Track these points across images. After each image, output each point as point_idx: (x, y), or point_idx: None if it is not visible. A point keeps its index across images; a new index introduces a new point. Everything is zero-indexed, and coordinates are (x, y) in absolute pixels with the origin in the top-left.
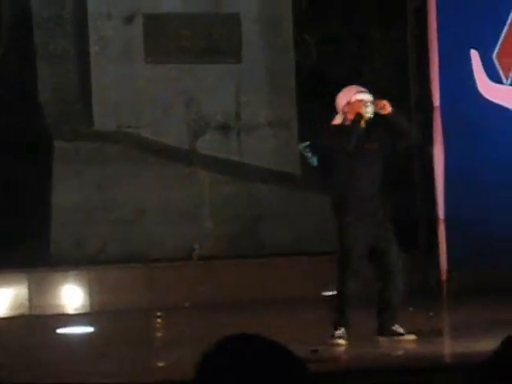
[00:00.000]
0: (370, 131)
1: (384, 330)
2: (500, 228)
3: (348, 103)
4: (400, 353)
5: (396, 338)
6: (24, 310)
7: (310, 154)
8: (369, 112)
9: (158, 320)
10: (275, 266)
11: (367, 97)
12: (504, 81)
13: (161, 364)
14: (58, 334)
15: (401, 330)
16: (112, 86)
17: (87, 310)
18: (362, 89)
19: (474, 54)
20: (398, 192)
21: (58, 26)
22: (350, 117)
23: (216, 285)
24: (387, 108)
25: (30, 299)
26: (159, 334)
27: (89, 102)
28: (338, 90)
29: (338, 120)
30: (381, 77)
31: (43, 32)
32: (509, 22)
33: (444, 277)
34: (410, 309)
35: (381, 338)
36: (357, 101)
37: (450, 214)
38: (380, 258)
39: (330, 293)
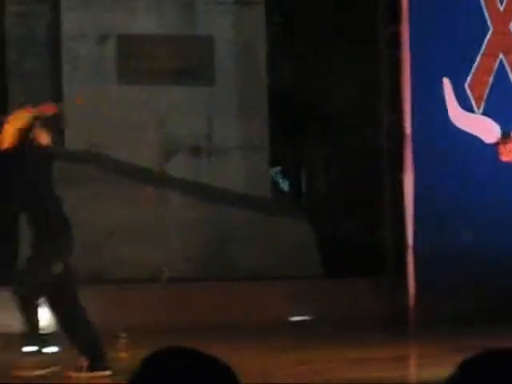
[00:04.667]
0: None
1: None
2: (469, 254)
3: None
4: None
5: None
6: None
7: (281, 179)
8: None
9: (120, 341)
10: (243, 290)
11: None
12: (476, 110)
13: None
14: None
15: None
16: (84, 106)
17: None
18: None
19: (446, 83)
20: (368, 218)
21: (31, 44)
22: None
23: (182, 307)
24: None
25: None
26: (119, 355)
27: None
28: (311, 115)
29: None
30: (353, 103)
31: (16, 50)
32: (481, 51)
33: (411, 303)
34: (378, 336)
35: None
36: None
37: (419, 241)
38: None
39: (297, 318)
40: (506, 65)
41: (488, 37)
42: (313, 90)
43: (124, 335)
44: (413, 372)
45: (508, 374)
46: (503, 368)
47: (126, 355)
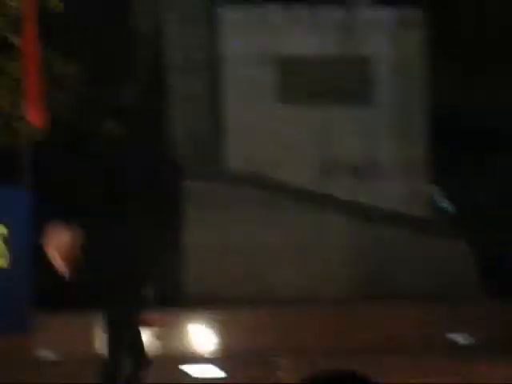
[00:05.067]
0: None
1: None
2: None
3: None
4: None
5: None
6: (153, 350)
7: (444, 200)
8: None
9: (278, 362)
10: (403, 311)
11: None
12: None
13: None
14: (186, 375)
15: None
16: (245, 128)
17: (218, 352)
18: None
19: None
20: None
21: (190, 67)
22: None
23: (343, 328)
24: None
25: (161, 338)
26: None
27: (221, 143)
28: (474, 134)
29: None
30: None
31: (177, 73)
32: None
33: None
34: None
35: None
36: None
37: None
38: None
39: (459, 340)
40: None
41: None
42: (476, 108)
43: (280, 357)
44: None
45: None
46: None
47: (283, 376)
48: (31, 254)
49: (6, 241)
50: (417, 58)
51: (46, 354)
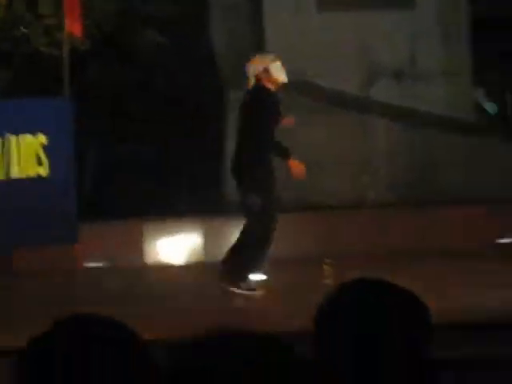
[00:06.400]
0: None
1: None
2: None
3: (265, 70)
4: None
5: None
6: (199, 258)
7: (485, 101)
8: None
9: (327, 268)
10: (449, 214)
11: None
12: None
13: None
14: None
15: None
16: (286, 35)
17: None
18: (276, 56)
19: None
20: None
21: None
22: (269, 84)
23: (386, 232)
24: None
25: (205, 247)
26: (325, 281)
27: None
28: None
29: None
30: None
31: None
32: None
33: None
34: None
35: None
36: (276, 68)
37: None
38: None
39: (505, 241)
40: None
41: None
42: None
43: (330, 262)
44: None
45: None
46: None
47: (331, 282)
48: (72, 164)
49: (45, 150)
50: None
51: (96, 262)
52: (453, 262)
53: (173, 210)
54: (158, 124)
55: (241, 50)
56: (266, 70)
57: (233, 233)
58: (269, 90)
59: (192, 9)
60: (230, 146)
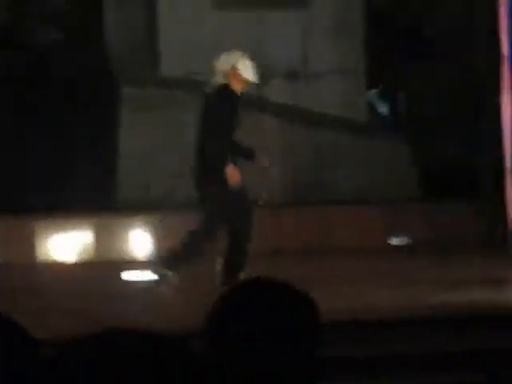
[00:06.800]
0: None
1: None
2: None
3: (233, 68)
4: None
5: None
6: (89, 255)
7: (378, 101)
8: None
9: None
10: (340, 214)
11: (250, 63)
12: None
13: None
14: (122, 280)
15: None
16: (180, 32)
17: (153, 255)
18: (245, 55)
19: None
20: (468, 141)
21: None
22: (235, 83)
23: (279, 231)
24: None
25: (95, 244)
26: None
27: (157, 48)
28: (409, 37)
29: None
30: (451, 26)
31: None
32: None
33: (510, 227)
34: (476, 258)
35: None
36: (245, 67)
37: None
38: None
39: (396, 241)
40: None
41: None
42: (409, 11)
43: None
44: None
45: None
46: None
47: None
48: None
49: None
50: None
51: None
52: (344, 261)
53: (64, 205)
54: (52, 117)
55: (134, 44)
56: (234, 69)
57: (125, 229)
58: (233, 91)
59: (86, 3)
60: (124, 143)
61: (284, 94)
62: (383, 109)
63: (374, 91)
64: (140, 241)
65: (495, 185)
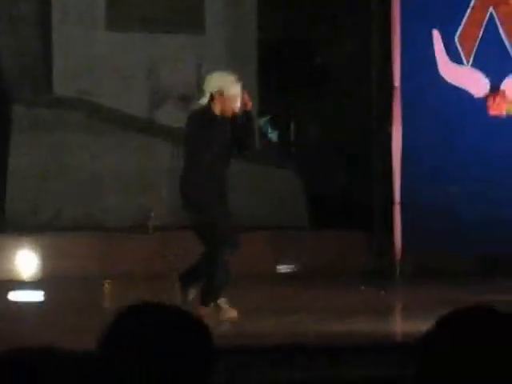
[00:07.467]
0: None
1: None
2: (456, 211)
3: (220, 91)
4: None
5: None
6: None
7: (269, 129)
8: (238, 107)
9: (107, 288)
10: None
11: (239, 90)
12: (465, 63)
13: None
14: (8, 300)
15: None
16: (73, 52)
17: (39, 276)
18: (237, 80)
19: (436, 35)
20: (355, 174)
21: None
22: (220, 107)
23: (169, 255)
24: (249, 105)
25: None
26: (106, 303)
27: (49, 67)
28: (300, 66)
29: (204, 100)
30: (343, 56)
31: None
32: (471, 4)
33: (398, 258)
34: (362, 287)
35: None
36: (232, 93)
37: (406, 196)
38: None
39: (283, 269)
40: (496, 18)
41: None
42: (303, 41)
43: (108, 282)
44: (397, 324)
45: (479, 331)
46: (474, 325)
47: (110, 302)
48: None
49: None
50: None
51: None
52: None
53: None
54: None
55: (26, 63)
56: (221, 93)
57: (15, 251)
58: (216, 117)
59: None
60: (14, 162)
61: (176, 118)
62: (274, 136)
63: (265, 119)
64: (27, 261)
65: (384, 215)
